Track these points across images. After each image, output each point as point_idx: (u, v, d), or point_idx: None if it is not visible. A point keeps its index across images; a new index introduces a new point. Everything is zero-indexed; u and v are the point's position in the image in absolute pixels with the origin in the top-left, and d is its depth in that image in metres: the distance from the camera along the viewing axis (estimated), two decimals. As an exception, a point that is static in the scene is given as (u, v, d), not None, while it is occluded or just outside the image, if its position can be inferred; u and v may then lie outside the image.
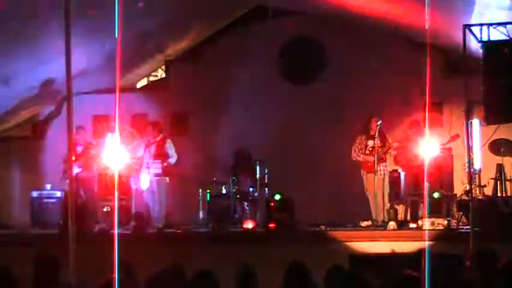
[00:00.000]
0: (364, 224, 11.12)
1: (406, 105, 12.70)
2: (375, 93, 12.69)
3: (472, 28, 9.32)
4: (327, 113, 13.02)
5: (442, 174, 11.91)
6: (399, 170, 12.05)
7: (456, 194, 11.47)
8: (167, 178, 11.72)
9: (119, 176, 11.70)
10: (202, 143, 13.41)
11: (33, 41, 10.07)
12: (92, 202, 11.97)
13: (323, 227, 10.74)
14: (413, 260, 5.67)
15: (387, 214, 10.74)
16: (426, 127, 12.59)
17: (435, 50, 12.62)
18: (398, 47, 12.93)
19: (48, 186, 12.63)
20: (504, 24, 9.25)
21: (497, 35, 9.36)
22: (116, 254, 5.00)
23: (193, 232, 11.31)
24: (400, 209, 11.60)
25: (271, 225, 10.84)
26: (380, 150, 11.11)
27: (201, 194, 12.17)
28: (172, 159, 11.69)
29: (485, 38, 9.31)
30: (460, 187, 11.38)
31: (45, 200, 12.44)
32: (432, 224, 10.29)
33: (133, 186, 11.73)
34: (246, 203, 11.87)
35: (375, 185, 11.06)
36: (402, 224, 10.96)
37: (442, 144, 12.07)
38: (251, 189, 11.85)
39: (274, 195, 11.37)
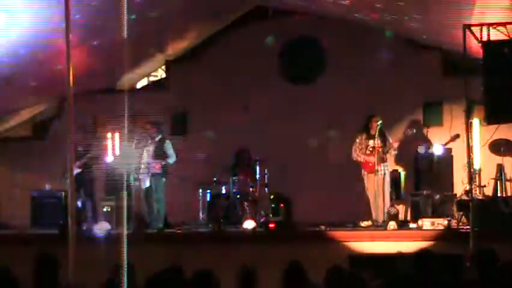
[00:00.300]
0: (364, 224, 11.12)
1: (406, 105, 12.70)
2: (375, 93, 12.68)
3: (472, 28, 9.32)
4: (327, 113, 13.02)
5: (442, 174, 11.93)
6: (399, 170, 12.06)
7: (456, 194, 11.47)
8: (165, 178, 11.71)
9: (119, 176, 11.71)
10: (202, 143, 13.41)
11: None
12: (92, 202, 11.98)
13: (322, 227, 10.73)
14: (413, 260, 5.67)
15: (387, 214, 10.73)
16: (426, 127, 12.66)
17: (435, 50, 12.67)
18: (397, 47, 12.93)
19: (48, 187, 12.63)
20: (504, 24, 9.25)
21: (497, 35, 9.35)
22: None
23: (193, 232, 11.30)
24: (400, 209, 11.60)
25: (271, 225, 10.83)
26: (380, 150, 11.11)
27: (201, 194, 12.16)
28: (171, 159, 11.68)
29: (485, 38, 9.31)
30: (460, 187, 11.38)
31: (45, 200, 12.45)
32: (433, 224, 10.28)
33: (133, 186, 11.71)
34: (246, 203, 11.87)
35: (376, 185, 11.05)
36: (402, 224, 10.96)
37: (442, 145, 12.08)
38: (251, 189, 11.85)
39: (273, 196, 11.37)
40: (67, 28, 6.43)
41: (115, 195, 12.28)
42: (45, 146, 13.69)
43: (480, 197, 10.74)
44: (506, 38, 9.33)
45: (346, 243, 10.05)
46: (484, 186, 11.16)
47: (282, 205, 11.37)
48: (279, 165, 12.27)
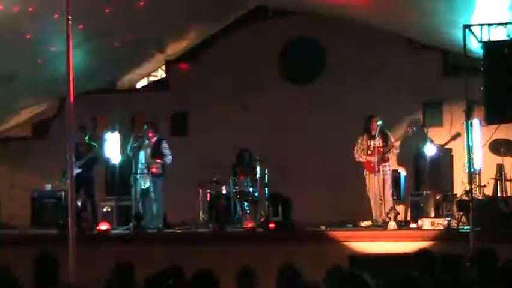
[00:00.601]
0: (364, 224, 11.12)
1: (406, 105, 12.70)
2: (375, 93, 12.69)
3: (472, 28, 9.32)
4: (327, 113, 13.03)
5: (442, 174, 11.94)
6: (399, 170, 12.06)
7: (456, 194, 11.47)
8: (163, 178, 11.72)
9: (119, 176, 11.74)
10: (202, 143, 13.42)
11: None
12: (92, 202, 11.98)
13: (322, 227, 10.73)
14: (413, 260, 5.67)
15: (387, 214, 10.72)
16: (427, 127, 12.66)
17: (435, 50, 12.66)
18: (397, 47, 12.93)
19: (48, 186, 12.64)
20: (504, 24, 9.24)
21: (497, 35, 9.35)
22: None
23: (193, 232, 11.30)
24: (400, 209, 11.60)
25: (271, 225, 10.83)
26: (382, 150, 11.11)
27: (200, 194, 12.16)
28: (168, 159, 11.68)
29: (485, 38, 9.30)
30: (460, 187, 11.39)
31: (45, 200, 12.46)
32: (433, 224, 10.28)
33: (133, 186, 11.71)
34: (246, 203, 11.87)
35: (377, 185, 11.05)
36: (402, 224, 10.96)
37: (443, 144, 12.09)
38: (251, 189, 11.85)
39: (273, 196, 11.36)
40: (67, 28, 6.43)
41: (115, 195, 12.31)
42: (45, 146, 13.69)
43: (480, 197, 10.74)
44: (506, 38, 9.33)
45: (346, 243, 10.05)
46: (484, 186, 11.17)
47: (282, 205, 11.35)
48: (279, 165, 12.27)
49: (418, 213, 11.34)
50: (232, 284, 5.49)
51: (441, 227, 10.22)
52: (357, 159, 11.37)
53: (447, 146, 12.24)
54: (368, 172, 11.25)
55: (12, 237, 11.20)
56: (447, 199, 11.39)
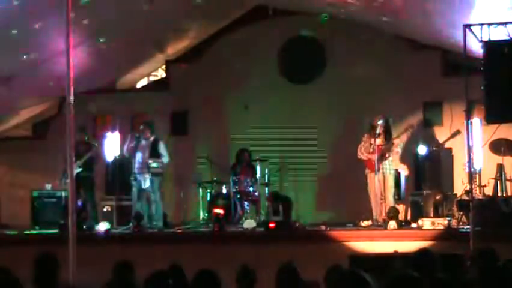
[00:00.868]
0: (364, 223, 11.11)
1: (406, 105, 12.70)
2: (375, 93, 12.69)
3: (472, 28, 9.31)
4: (327, 113, 13.03)
5: (442, 174, 11.93)
6: (399, 170, 12.05)
7: (456, 194, 11.47)
8: (162, 178, 11.73)
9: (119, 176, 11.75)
10: (202, 142, 13.42)
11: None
12: (92, 202, 11.98)
13: (322, 227, 10.73)
14: (414, 260, 5.67)
15: (388, 213, 10.73)
16: (427, 127, 12.66)
17: (435, 50, 12.66)
18: (398, 47, 12.93)
19: (48, 186, 12.64)
20: (504, 24, 9.24)
21: (497, 34, 9.35)
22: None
23: (193, 232, 11.30)
24: (400, 209, 11.60)
25: (271, 225, 10.83)
26: (383, 148, 11.13)
27: (201, 194, 12.16)
28: (165, 159, 11.69)
29: (485, 38, 9.30)
30: (460, 187, 11.39)
31: (45, 200, 12.46)
32: (433, 223, 10.28)
33: (133, 186, 11.71)
34: (246, 203, 11.87)
35: (377, 184, 11.06)
36: (402, 224, 10.95)
37: (443, 141, 12.09)
38: (251, 189, 11.85)
39: (273, 195, 11.36)
40: (67, 28, 6.42)
41: (115, 195, 12.31)
42: (45, 145, 13.69)
43: (480, 197, 10.74)
44: (506, 37, 9.32)
45: (346, 243, 10.05)
46: (484, 186, 11.17)
47: (282, 205, 11.35)
48: (279, 165, 12.26)
49: (418, 213, 11.33)
50: (232, 284, 5.49)
51: (442, 227, 10.22)
52: (359, 157, 11.38)
53: (447, 146, 12.24)
54: (369, 171, 11.26)
55: (12, 237, 11.21)
56: (447, 199, 11.38)
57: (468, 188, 10.25)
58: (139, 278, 5.34)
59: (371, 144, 11.23)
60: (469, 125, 9.65)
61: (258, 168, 12.04)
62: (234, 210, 11.79)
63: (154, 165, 11.47)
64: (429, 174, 11.96)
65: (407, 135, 11.59)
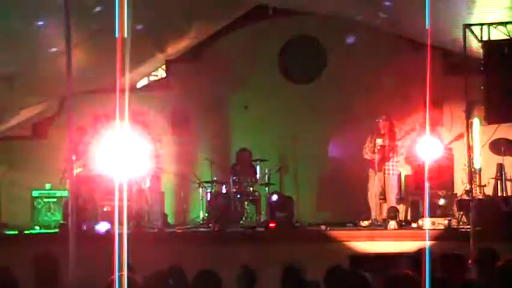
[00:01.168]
0: (364, 223, 11.12)
1: (406, 105, 12.69)
2: (375, 93, 12.67)
3: (472, 28, 9.32)
4: (327, 113, 13.02)
5: (442, 174, 11.92)
6: (399, 170, 12.04)
7: (456, 194, 11.47)
8: (161, 178, 11.76)
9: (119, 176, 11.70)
10: (202, 142, 13.42)
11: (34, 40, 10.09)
12: (92, 202, 11.98)
13: (322, 227, 10.73)
14: (414, 259, 5.67)
15: (388, 213, 10.73)
16: (427, 127, 12.63)
17: (435, 49, 12.63)
18: (398, 47, 12.91)
19: (48, 186, 12.64)
20: (504, 23, 9.25)
21: (497, 34, 9.35)
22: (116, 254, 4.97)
23: (193, 232, 11.30)
24: (400, 208, 11.60)
25: (271, 225, 10.83)
26: (386, 148, 11.16)
27: (201, 194, 12.16)
28: (163, 159, 11.74)
29: (485, 38, 9.31)
30: (460, 187, 11.38)
31: (45, 200, 12.46)
32: (433, 223, 10.28)
33: (133, 186, 11.72)
34: (246, 203, 11.87)
35: (378, 184, 11.08)
36: (402, 224, 10.95)
37: (445, 144, 12.08)
38: (251, 188, 11.85)
39: (273, 195, 11.36)
40: (67, 28, 6.42)
41: (115, 194, 12.29)
42: (45, 145, 13.69)
43: (480, 197, 10.73)
44: (506, 37, 9.33)
45: (346, 243, 10.05)
46: (484, 185, 11.16)
47: (282, 205, 11.35)
48: (279, 165, 12.26)
49: (418, 213, 11.33)
50: (233, 284, 5.49)
51: (442, 227, 10.22)
52: (364, 157, 11.41)
53: (449, 146, 12.23)
54: (372, 170, 11.28)
55: (12, 237, 11.20)
56: (447, 199, 11.38)
57: (468, 187, 10.25)
58: (140, 278, 5.34)
59: (375, 144, 11.27)
60: (469, 125, 9.65)
61: (258, 168, 12.04)
62: (234, 210, 11.78)
63: (154, 165, 11.49)
64: (429, 174, 11.94)
65: (410, 136, 11.60)
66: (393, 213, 10.66)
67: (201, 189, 12.15)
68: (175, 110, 13.70)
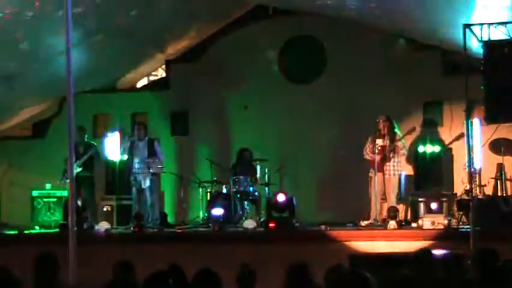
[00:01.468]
0: (364, 223, 11.12)
1: (406, 105, 12.69)
2: (375, 93, 12.67)
3: (472, 27, 9.31)
4: (327, 113, 13.01)
5: (442, 174, 11.93)
6: (402, 172, 12.03)
7: (456, 194, 11.47)
8: (160, 178, 11.76)
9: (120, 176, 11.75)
10: (202, 143, 13.42)
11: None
12: (92, 202, 11.99)
13: (322, 227, 10.72)
14: (414, 259, 5.67)
15: (388, 213, 10.73)
16: (427, 127, 12.65)
17: (435, 49, 12.65)
18: (398, 47, 12.91)
19: (48, 186, 12.65)
20: (504, 23, 9.24)
21: (497, 34, 9.34)
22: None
23: (193, 232, 11.30)
24: (401, 208, 11.60)
25: (271, 224, 10.83)
26: (386, 149, 11.16)
27: (201, 193, 12.16)
28: (162, 158, 11.74)
29: (485, 38, 9.30)
30: (460, 186, 11.38)
31: (45, 200, 12.47)
32: (433, 223, 10.28)
33: (133, 186, 11.72)
34: (246, 203, 11.87)
35: (379, 184, 11.09)
36: (402, 224, 10.95)
37: (445, 144, 12.09)
38: (251, 188, 11.85)
39: (276, 195, 11.35)
40: (67, 27, 6.43)
41: (115, 194, 12.31)
42: (45, 145, 13.70)
43: (480, 197, 10.74)
44: (506, 37, 9.32)
45: (346, 243, 10.05)
46: (484, 185, 11.17)
47: (282, 205, 11.34)
48: (279, 165, 12.27)
49: (418, 213, 11.33)
50: (232, 284, 5.48)
51: (442, 227, 10.22)
52: (364, 157, 11.41)
53: (449, 146, 12.23)
54: (373, 171, 11.29)
55: (12, 237, 11.21)
56: (447, 199, 11.38)
57: (468, 187, 10.25)
58: (139, 278, 5.34)
59: (376, 144, 11.27)
60: (469, 125, 9.65)
61: (258, 168, 12.04)
62: (234, 210, 11.77)
63: (153, 165, 11.49)
64: (429, 174, 11.94)
65: (410, 136, 11.60)
66: (393, 213, 10.65)
67: (200, 189, 12.15)
68: (175, 110, 13.70)
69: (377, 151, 11.20)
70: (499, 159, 11.40)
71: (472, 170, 9.99)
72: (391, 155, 11.25)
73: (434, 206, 10.90)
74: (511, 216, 9.91)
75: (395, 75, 12.76)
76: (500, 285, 5.07)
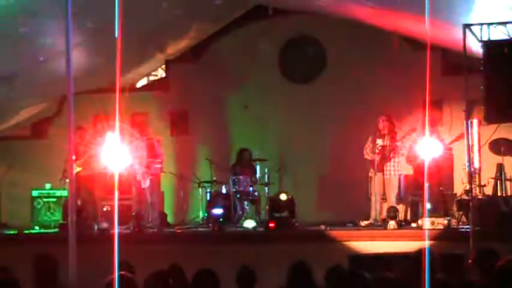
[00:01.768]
0: (364, 223, 11.12)
1: (406, 105, 12.69)
2: (375, 93, 12.68)
3: (472, 27, 9.32)
4: (327, 113, 13.02)
5: (442, 174, 11.92)
6: (402, 172, 12.03)
7: (456, 194, 11.47)
8: (160, 177, 11.77)
9: (120, 176, 11.72)
10: (201, 143, 13.42)
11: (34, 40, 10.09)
12: (92, 202, 11.98)
13: (322, 227, 10.72)
14: (413, 259, 5.67)
15: (388, 213, 10.73)
16: (427, 127, 12.64)
17: (435, 49, 12.64)
18: (398, 46, 12.90)
19: (48, 186, 12.65)
20: (504, 23, 9.25)
21: (497, 34, 9.35)
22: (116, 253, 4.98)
23: (193, 232, 11.30)
24: (401, 208, 11.60)
25: (271, 224, 10.83)
26: (387, 149, 11.17)
27: (201, 194, 12.16)
28: (160, 159, 11.75)
29: (485, 38, 9.30)
30: (460, 186, 11.38)
31: (45, 200, 12.47)
32: (433, 223, 10.28)
33: (133, 186, 11.72)
34: (246, 203, 11.87)
35: (379, 184, 11.10)
36: (402, 224, 10.95)
37: (446, 144, 12.08)
38: (251, 188, 11.85)
39: (279, 195, 11.35)
40: (67, 27, 6.42)
41: (115, 194, 12.31)
42: (45, 145, 13.69)
43: (480, 197, 10.73)
44: (506, 37, 9.33)
45: (346, 243, 10.05)
46: (484, 185, 11.16)
47: (282, 205, 11.35)
48: (279, 165, 12.27)
49: (418, 213, 11.33)
50: (232, 284, 5.49)
51: (442, 227, 10.22)
52: (365, 157, 11.42)
53: (449, 146, 12.22)
54: (372, 170, 11.29)
55: (12, 237, 11.21)
56: (447, 199, 11.38)
57: (468, 187, 10.25)
58: (139, 278, 5.34)
59: (376, 144, 11.28)
60: (469, 125, 9.65)
61: (258, 168, 12.04)
62: (234, 210, 11.78)
63: (153, 165, 11.49)
64: (429, 174, 11.93)
65: (411, 136, 11.61)
66: (393, 213, 10.65)
67: (200, 189, 12.15)
68: (175, 110, 13.71)
69: (377, 151, 11.21)
70: (498, 159, 11.40)
71: (472, 170, 9.99)
72: (391, 155, 11.26)
73: (434, 206, 10.89)
74: (511, 216, 9.90)
75: (395, 75, 12.76)
76: (499, 285, 5.07)
